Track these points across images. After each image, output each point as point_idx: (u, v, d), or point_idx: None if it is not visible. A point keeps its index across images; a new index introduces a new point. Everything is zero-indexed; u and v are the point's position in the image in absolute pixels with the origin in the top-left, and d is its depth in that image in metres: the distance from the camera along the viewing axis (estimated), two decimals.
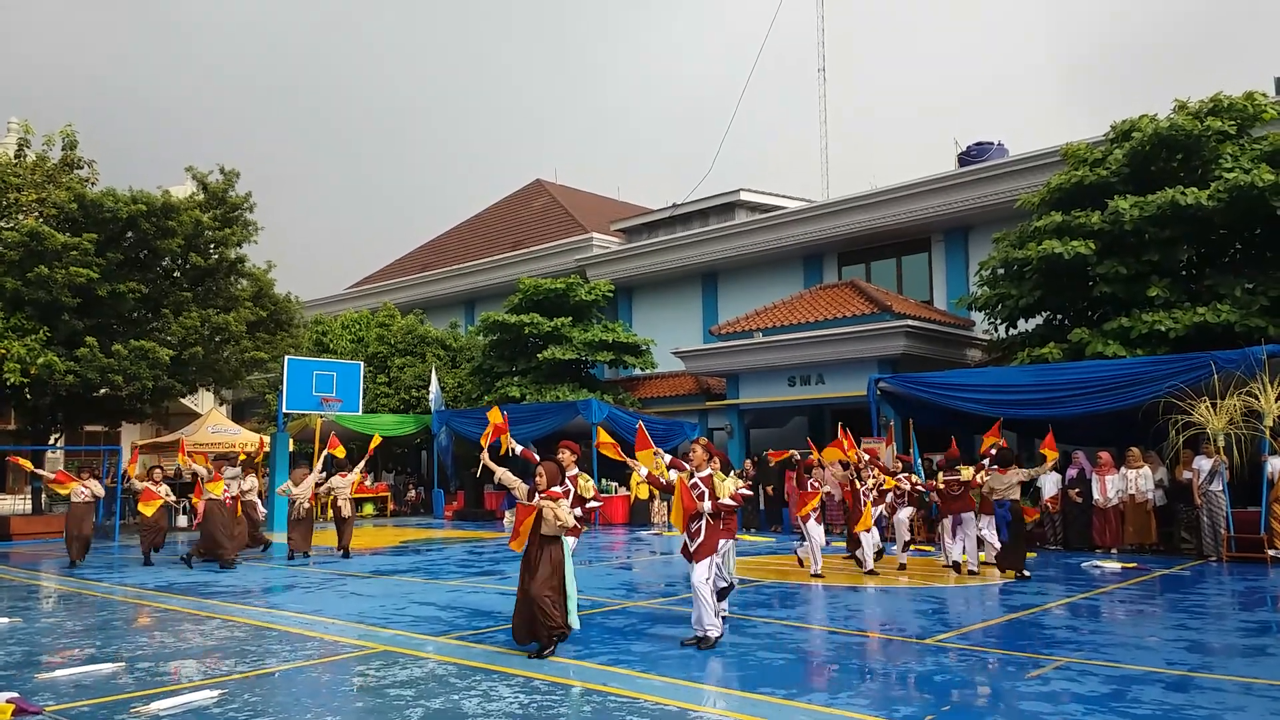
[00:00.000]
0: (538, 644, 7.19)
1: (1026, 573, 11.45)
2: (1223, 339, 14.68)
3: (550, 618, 7.14)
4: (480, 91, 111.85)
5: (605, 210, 36.66)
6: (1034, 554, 13.71)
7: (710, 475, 7.89)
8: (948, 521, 12.40)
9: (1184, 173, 16.40)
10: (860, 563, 12.26)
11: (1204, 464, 13.28)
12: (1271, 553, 12.55)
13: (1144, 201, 15.46)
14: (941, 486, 12.36)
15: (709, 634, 7.51)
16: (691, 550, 7.72)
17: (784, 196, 29.31)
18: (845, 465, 12.91)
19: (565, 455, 8.03)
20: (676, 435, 22.43)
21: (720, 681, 6.50)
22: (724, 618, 8.10)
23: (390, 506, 27.78)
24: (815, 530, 11.80)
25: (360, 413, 22.17)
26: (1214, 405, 12.78)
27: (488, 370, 26.84)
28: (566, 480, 7.81)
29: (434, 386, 25.80)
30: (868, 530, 12.25)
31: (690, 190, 56.32)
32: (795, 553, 12.51)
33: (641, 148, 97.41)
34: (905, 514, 13.42)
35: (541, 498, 7.35)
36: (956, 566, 12.05)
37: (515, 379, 25.62)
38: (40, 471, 16.90)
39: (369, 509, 26.88)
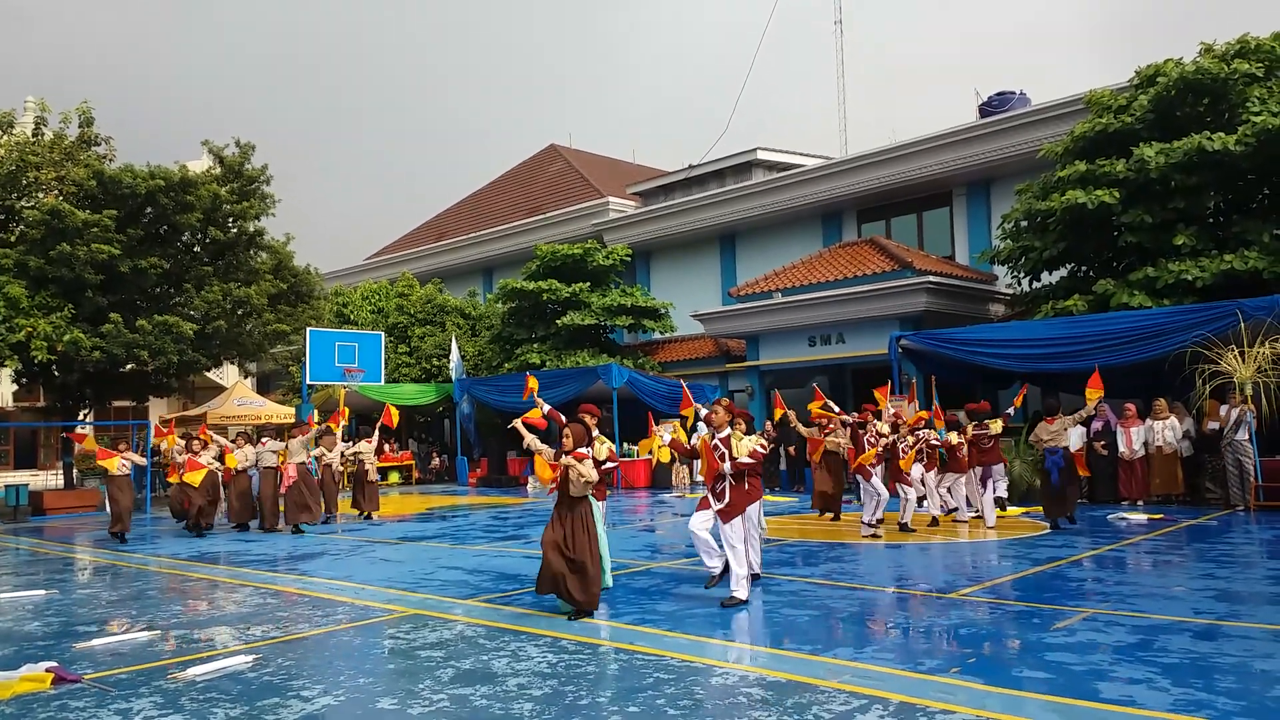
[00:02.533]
0: (572, 606, 7.23)
1: (1075, 522, 11.81)
2: (1251, 286, 14.43)
3: (592, 590, 7.21)
4: (491, 56, 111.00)
5: (621, 174, 36.42)
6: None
7: (729, 436, 7.90)
8: (954, 476, 12.57)
9: (1210, 117, 16.03)
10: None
11: (1230, 413, 13.13)
12: None
13: (1170, 148, 15.15)
14: (969, 439, 12.38)
15: (735, 595, 7.56)
16: (717, 510, 7.77)
17: (801, 154, 28.95)
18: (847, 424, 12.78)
19: (589, 419, 8.07)
20: (697, 398, 22.36)
21: (745, 638, 6.55)
22: (755, 575, 8.19)
23: (415, 474, 28.09)
24: (877, 484, 11.77)
25: (382, 383, 22.34)
26: (1242, 354, 12.62)
27: (507, 337, 26.91)
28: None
29: (454, 355, 25.92)
30: (908, 485, 12.20)
31: (706, 151, 55.79)
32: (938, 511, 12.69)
33: (656, 109, 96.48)
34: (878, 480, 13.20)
35: (568, 458, 7.38)
36: (998, 503, 12.18)
37: (535, 345, 25.68)
38: (131, 454, 16.20)
39: (394, 477, 27.19)
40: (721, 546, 7.93)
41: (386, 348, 23.82)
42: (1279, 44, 15.80)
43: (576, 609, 7.21)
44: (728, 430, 7.95)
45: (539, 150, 40.97)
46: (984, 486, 12.35)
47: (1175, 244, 15.25)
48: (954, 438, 12.55)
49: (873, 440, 11.96)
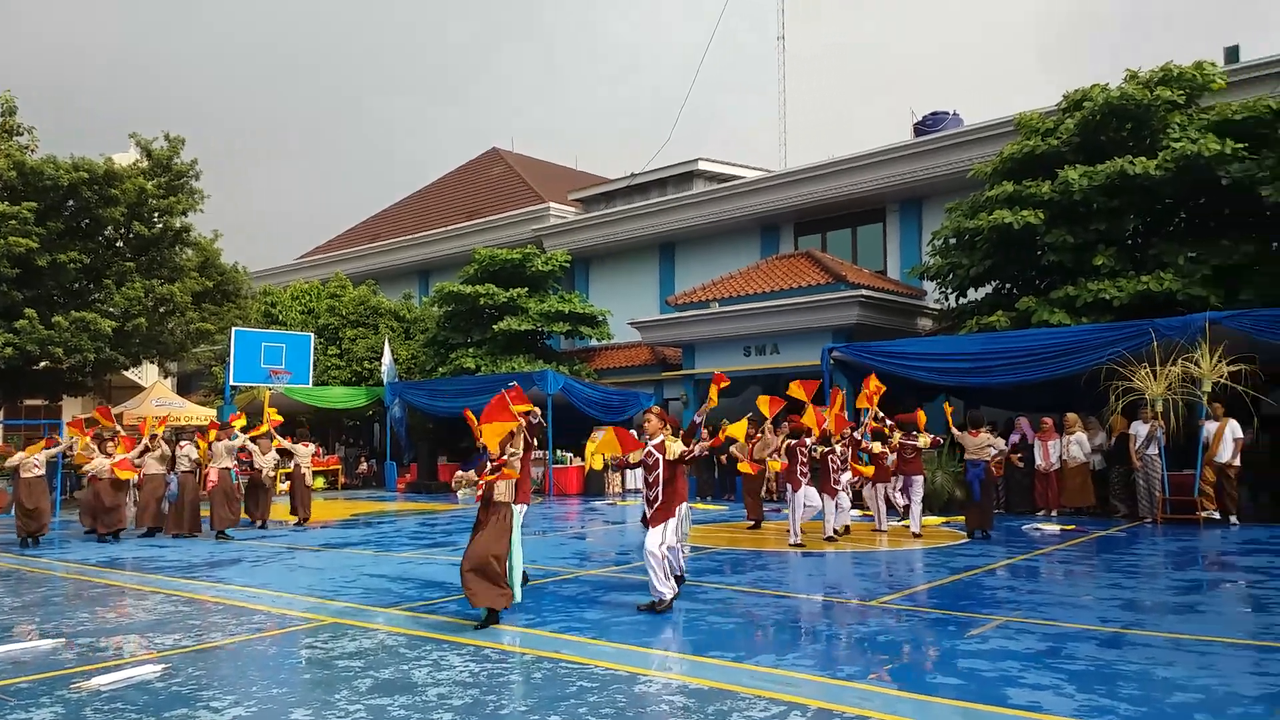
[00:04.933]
0: (484, 611, 7.16)
1: (991, 532, 12.08)
2: (1165, 307, 15.01)
3: (496, 582, 7.12)
4: (432, 57, 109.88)
5: (562, 180, 36.34)
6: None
7: (662, 441, 7.98)
8: (881, 488, 12.81)
9: (1133, 142, 16.63)
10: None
11: (1141, 429, 13.64)
12: (1203, 514, 12.96)
13: (1093, 171, 15.70)
14: (895, 448, 12.66)
15: (663, 597, 7.60)
16: (651, 515, 7.84)
17: (742, 166, 29.27)
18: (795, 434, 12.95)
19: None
20: (633, 405, 22.48)
21: (670, 646, 6.56)
22: (680, 577, 8.23)
23: (341, 480, 27.52)
24: (812, 495, 11.87)
25: (310, 385, 21.88)
26: (1154, 372, 13.10)
27: (442, 341, 26.60)
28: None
29: (387, 358, 25.52)
30: (834, 496, 12.37)
31: (648, 160, 56.03)
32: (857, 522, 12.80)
33: (599, 117, 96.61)
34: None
35: (493, 465, 7.32)
36: (916, 536, 12.31)
37: (470, 350, 25.42)
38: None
39: (319, 482, 26.61)
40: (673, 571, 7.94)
41: (316, 349, 23.34)
42: (1200, 73, 16.47)
43: (485, 618, 7.14)
44: (661, 437, 8.03)
45: (480, 153, 40.68)
46: (905, 495, 12.66)
47: (1095, 264, 15.79)
48: (877, 446, 12.81)
49: (803, 451, 12.13)
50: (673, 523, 7.84)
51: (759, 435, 13.64)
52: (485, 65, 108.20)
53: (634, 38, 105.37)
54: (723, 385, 8.55)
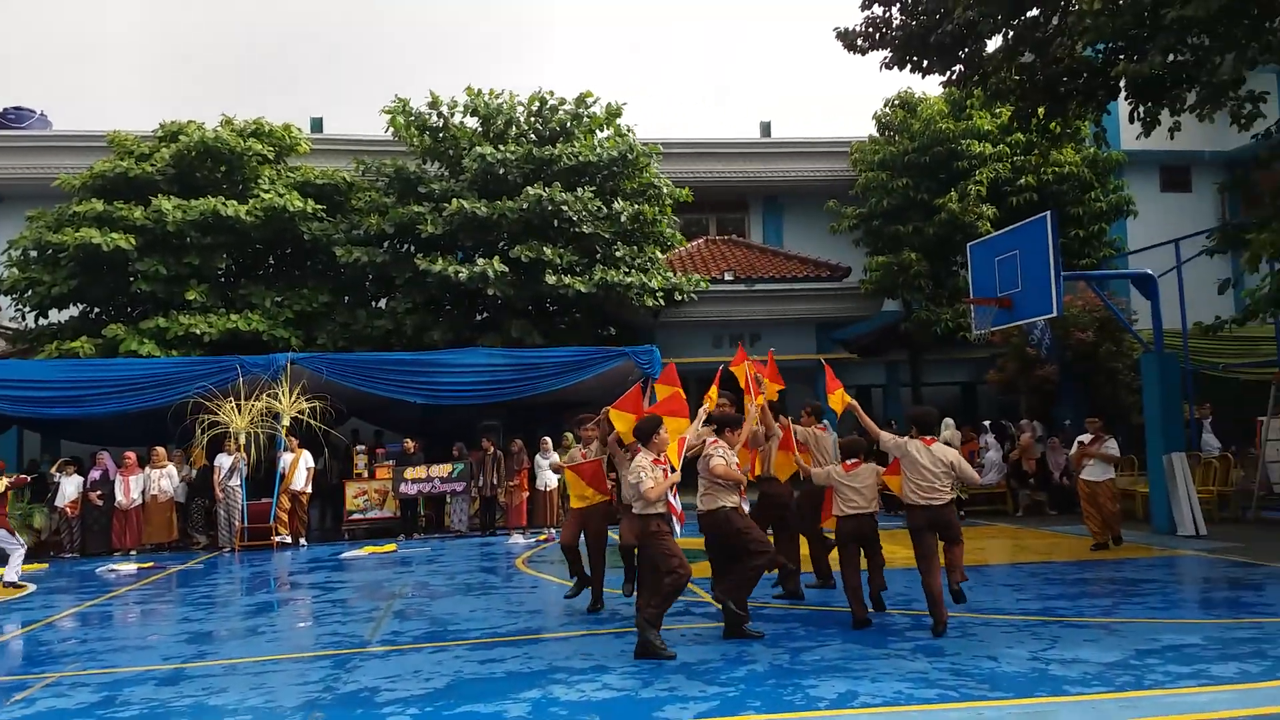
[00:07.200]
0: None
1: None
2: (252, 345, 15.88)
3: None
4: None
5: None
6: (46, 565, 12.68)
7: None
8: None
9: (227, 185, 17.33)
10: None
11: (225, 461, 14.14)
12: (277, 539, 14.06)
13: (188, 205, 15.86)
14: None
15: None
16: None
17: None
18: None
19: None
20: None
21: None
22: None
23: None
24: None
25: None
26: (239, 406, 13.76)
27: None
28: None
29: None
30: None
31: None
32: None
33: None
34: None
35: None
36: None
37: None
38: None
39: None
40: None
41: None
42: (288, 134, 18.09)
43: None
44: None
45: None
46: None
47: (188, 298, 15.91)
48: None
49: None
50: None
51: None
52: None
53: None
54: None
